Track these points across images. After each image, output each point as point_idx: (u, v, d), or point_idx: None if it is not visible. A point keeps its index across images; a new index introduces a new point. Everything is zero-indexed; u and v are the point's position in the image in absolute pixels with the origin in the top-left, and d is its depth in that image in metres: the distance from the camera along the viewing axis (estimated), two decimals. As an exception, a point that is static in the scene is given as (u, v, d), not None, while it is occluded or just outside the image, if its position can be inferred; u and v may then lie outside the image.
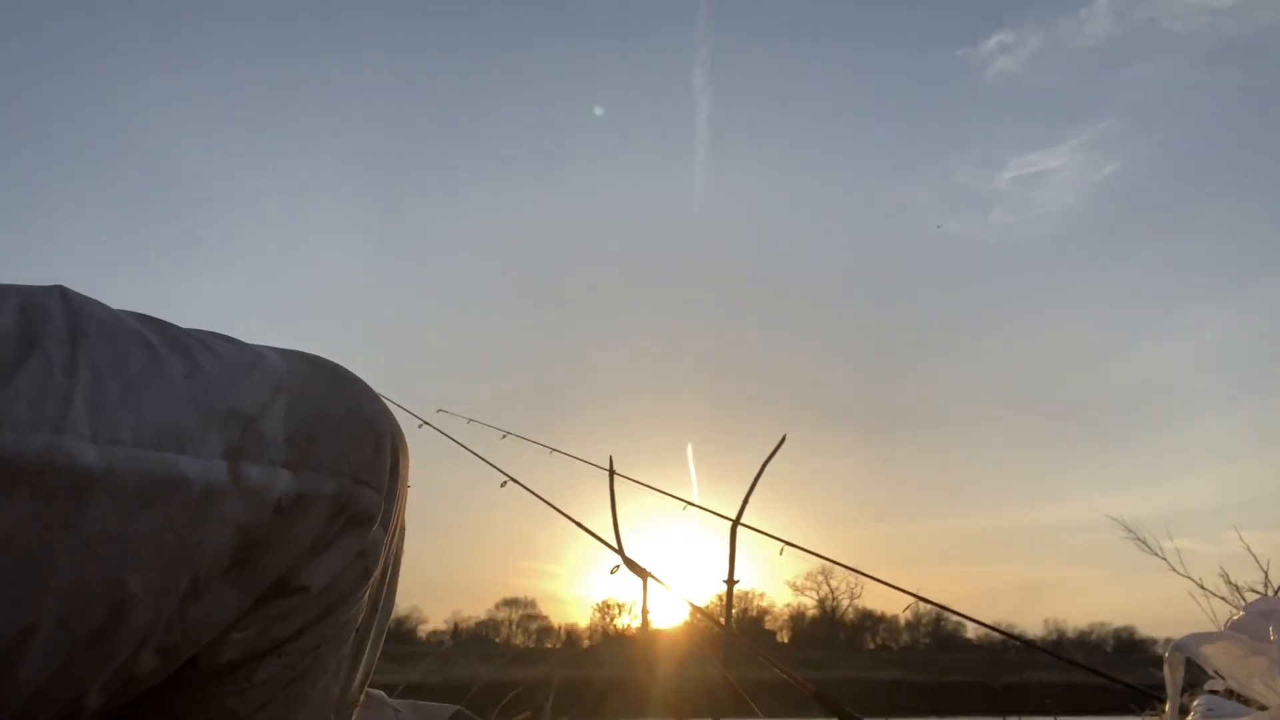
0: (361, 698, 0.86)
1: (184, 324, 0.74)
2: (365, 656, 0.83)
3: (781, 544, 2.22)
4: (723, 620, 1.86)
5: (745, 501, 2.06)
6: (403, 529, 0.86)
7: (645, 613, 1.92)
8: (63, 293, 0.68)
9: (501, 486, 2.34)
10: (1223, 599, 2.91)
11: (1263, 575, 2.90)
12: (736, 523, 2.04)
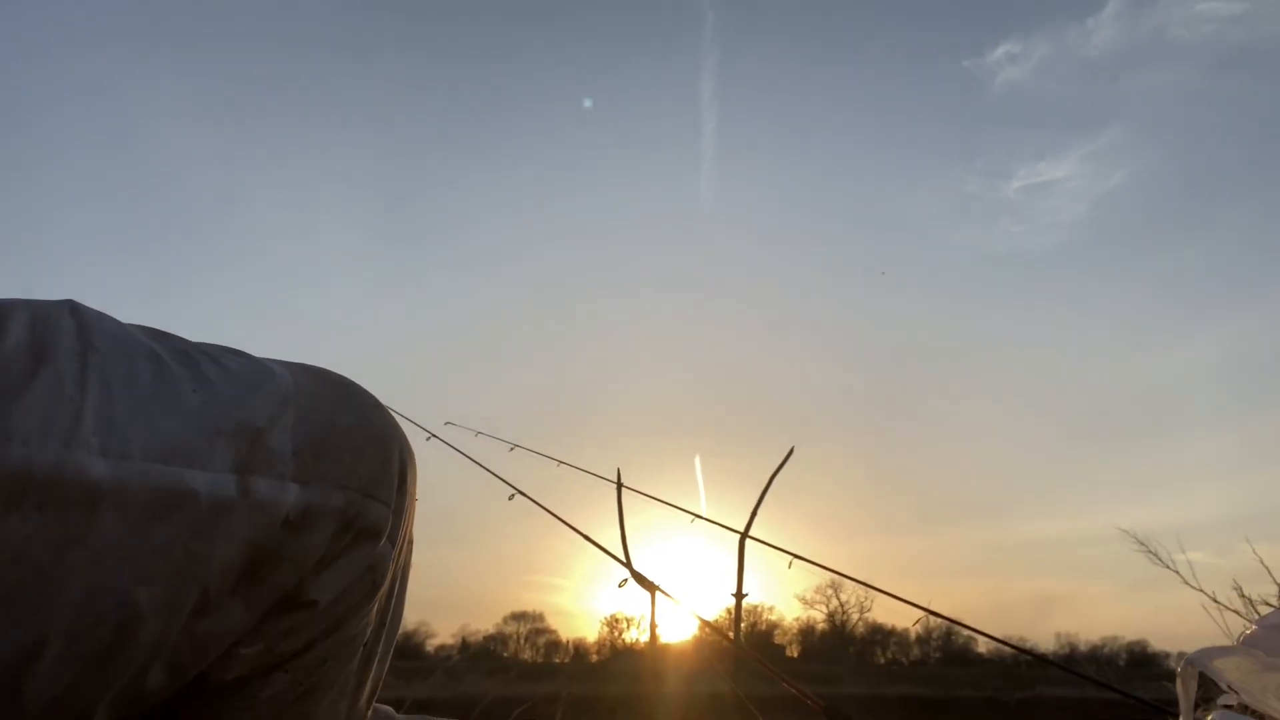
0: (369, 713, 0.86)
1: (192, 337, 0.75)
2: (373, 671, 0.83)
3: (790, 557, 2.21)
4: (731, 634, 1.85)
5: (753, 514, 2.05)
6: (411, 543, 0.86)
7: (653, 627, 1.91)
8: (73, 307, 0.69)
9: (509, 499, 2.34)
10: (1236, 612, 2.88)
11: (1276, 588, 2.88)
12: (745, 535, 2.03)
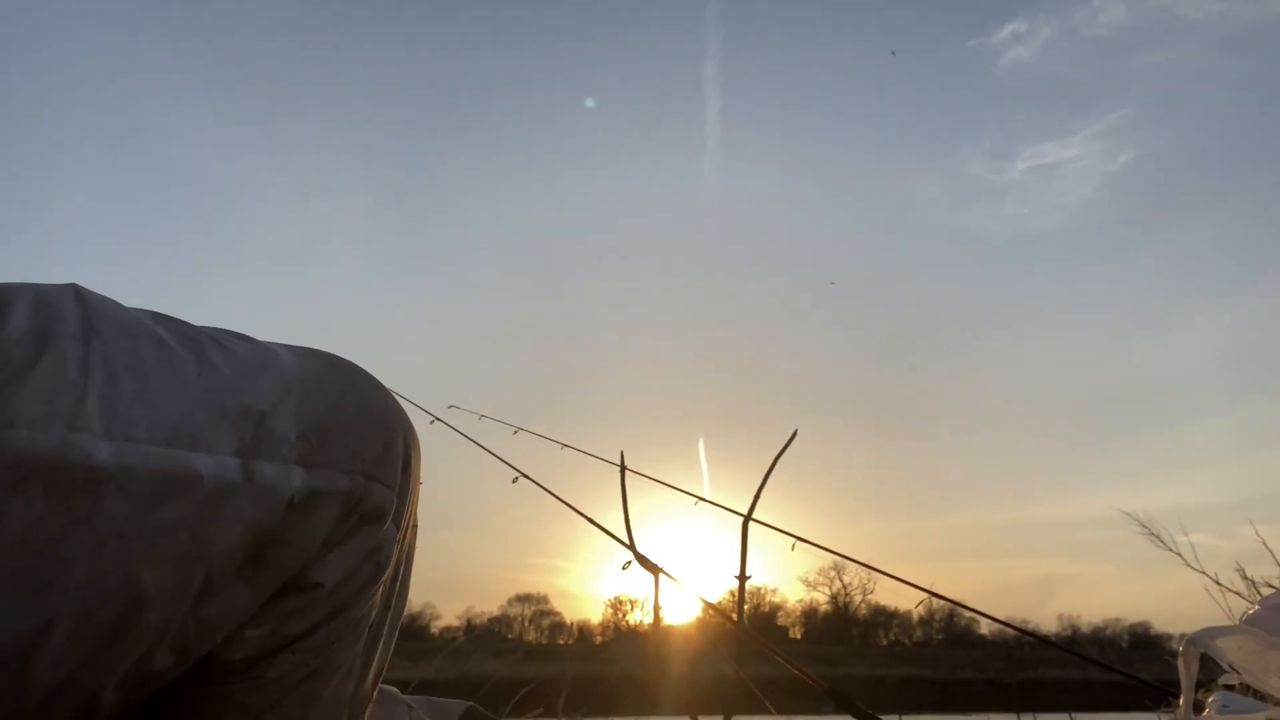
0: (375, 694, 0.87)
1: (196, 322, 0.75)
2: (378, 653, 0.84)
3: (794, 539, 2.21)
4: (735, 616, 1.86)
5: (757, 497, 2.06)
6: (415, 526, 0.86)
7: (657, 609, 1.92)
8: (77, 291, 0.69)
9: (513, 483, 2.34)
10: (1238, 594, 2.89)
11: (1279, 569, 2.88)
12: (748, 518, 2.03)
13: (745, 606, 1.90)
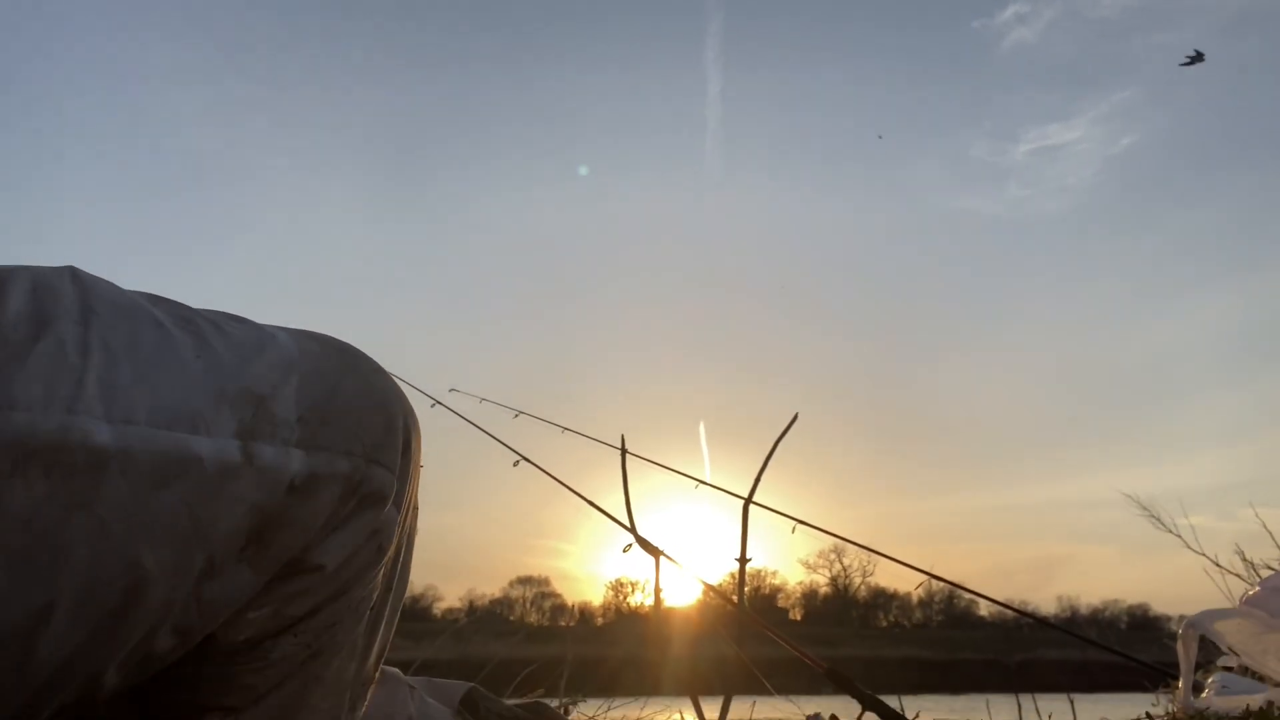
0: (377, 675, 0.87)
1: (195, 304, 0.75)
2: (380, 634, 0.84)
3: (794, 522, 2.22)
4: (735, 598, 1.87)
5: (757, 480, 2.06)
6: (416, 508, 0.86)
7: (658, 591, 1.93)
8: (74, 273, 0.68)
9: (514, 466, 2.35)
10: (1238, 576, 2.90)
11: (1279, 551, 2.89)
12: (749, 501, 2.04)
13: (745, 589, 1.91)
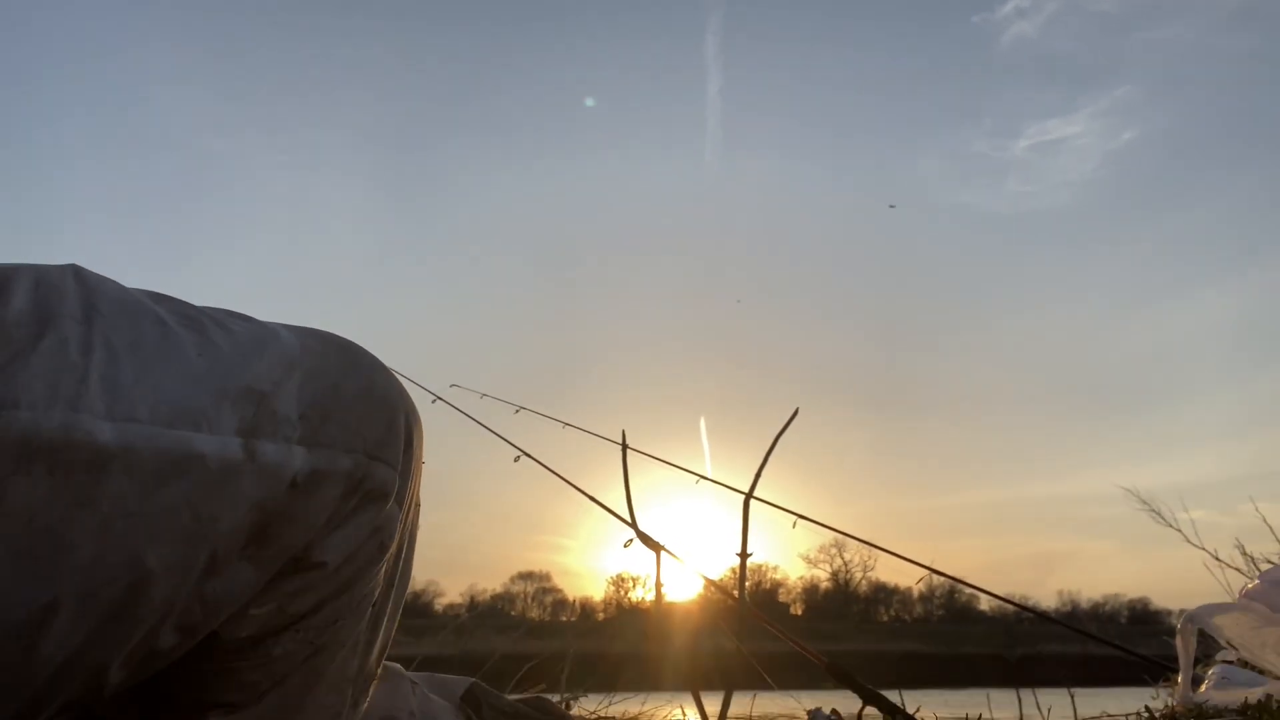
0: (379, 670, 0.87)
1: (197, 302, 0.75)
2: (382, 630, 0.84)
3: (795, 517, 2.23)
4: (736, 593, 1.87)
5: (758, 475, 2.06)
6: (418, 504, 0.87)
7: (659, 586, 1.93)
8: (76, 271, 0.69)
9: (515, 461, 2.35)
10: (1237, 570, 2.90)
11: (1279, 545, 2.89)
12: (749, 496, 2.04)
13: (746, 584, 1.91)
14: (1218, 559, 2.95)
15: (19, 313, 0.62)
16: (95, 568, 0.59)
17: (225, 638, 0.70)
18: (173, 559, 0.62)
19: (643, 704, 2.79)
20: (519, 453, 2.36)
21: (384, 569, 0.79)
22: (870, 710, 1.49)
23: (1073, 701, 2.09)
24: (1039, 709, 2.12)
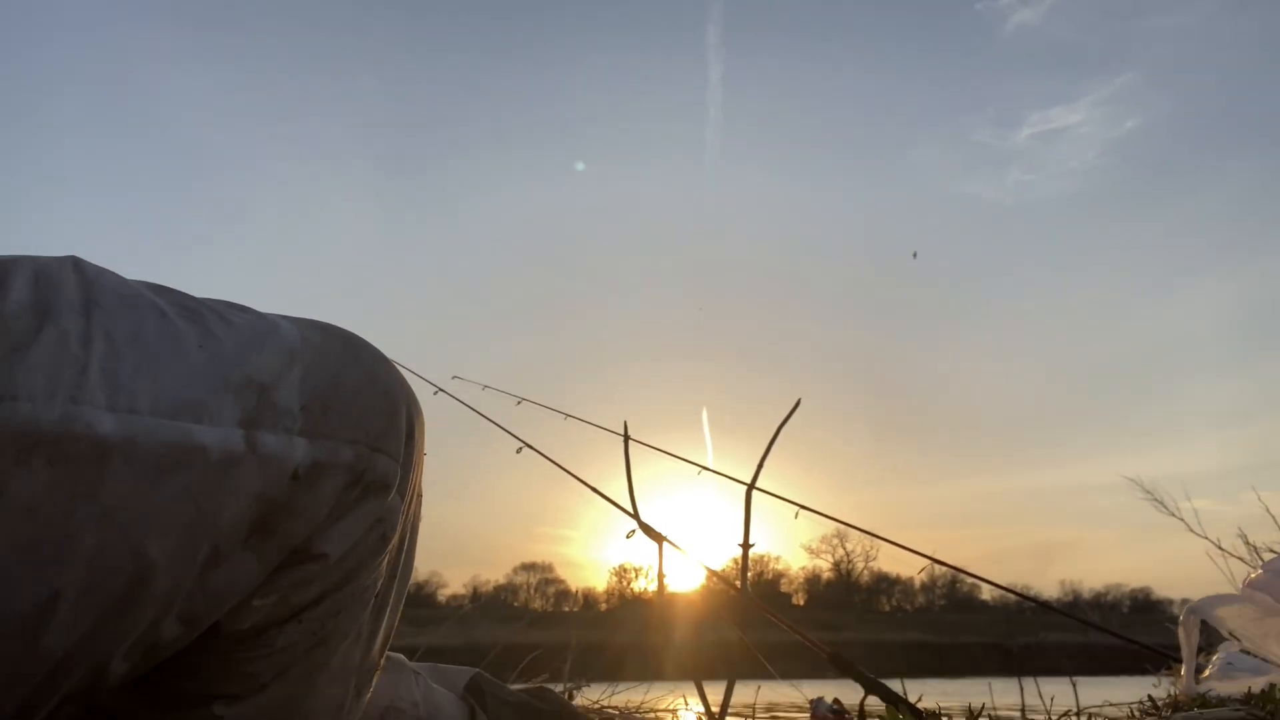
0: (382, 661, 0.87)
1: (198, 293, 0.74)
2: (385, 621, 0.84)
3: (797, 508, 2.23)
4: (738, 583, 1.87)
5: (760, 466, 2.06)
6: (420, 495, 0.86)
7: (661, 576, 1.94)
8: (76, 263, 0.68)
9: (517, 453, 2.35)
10: (1240, 559, 2.90)
11: (1281, 535, 2.89)
12: (751, 487, 2.04)
13: (749, 574, 1.91)
14: (1220, 548, 2.95)
15: (18, 305, 0.61)
16: (97, 560, 0.59)
17: (228, 629, 0.70)
18: (175, 550, 0.62)
19: (646, 694, 2.80)
20: (521, 444, 2.36)
21: (386, 560, 0.79)
22: (872, 699, 1.49)
23: (1075, 690, 2.09)
24: (1041, 698, 2.13)
